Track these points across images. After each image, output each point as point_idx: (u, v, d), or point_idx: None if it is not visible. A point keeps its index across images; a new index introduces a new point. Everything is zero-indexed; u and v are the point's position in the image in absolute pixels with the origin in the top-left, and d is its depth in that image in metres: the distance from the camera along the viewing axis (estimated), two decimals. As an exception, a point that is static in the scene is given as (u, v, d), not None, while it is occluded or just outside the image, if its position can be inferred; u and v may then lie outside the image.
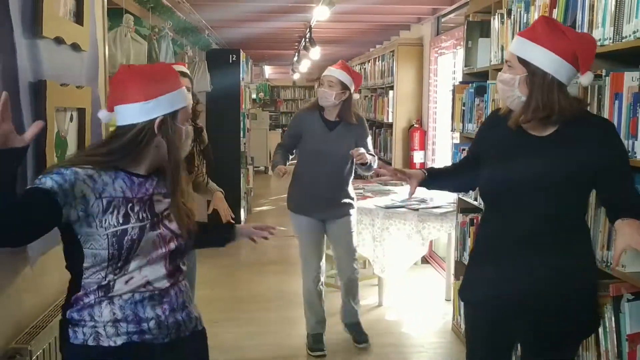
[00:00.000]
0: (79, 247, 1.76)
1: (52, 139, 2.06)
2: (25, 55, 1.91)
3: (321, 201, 3.99)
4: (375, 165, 3.94)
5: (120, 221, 1.78)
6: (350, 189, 4.11)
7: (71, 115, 2.28)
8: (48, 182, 1.67)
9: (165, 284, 1.88)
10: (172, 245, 1.89)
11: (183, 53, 5.88)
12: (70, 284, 1.85)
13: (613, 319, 2.37)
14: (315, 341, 4.11)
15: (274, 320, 4.75)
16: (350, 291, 4.19)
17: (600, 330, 2.40)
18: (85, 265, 1.77)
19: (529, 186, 2.13)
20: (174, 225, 1.91)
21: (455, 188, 3.11)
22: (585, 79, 2.06)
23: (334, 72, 3.90)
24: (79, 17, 2.37)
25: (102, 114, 1.86)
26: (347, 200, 4.07)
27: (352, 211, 4.10)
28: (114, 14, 4.05)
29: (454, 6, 5.77)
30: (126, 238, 1.78)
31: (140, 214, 1.83)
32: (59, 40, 2.14)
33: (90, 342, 1.78)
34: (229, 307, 5.02)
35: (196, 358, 2.09)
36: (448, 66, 6.25)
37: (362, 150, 3.77)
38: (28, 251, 2.00)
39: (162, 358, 1.89)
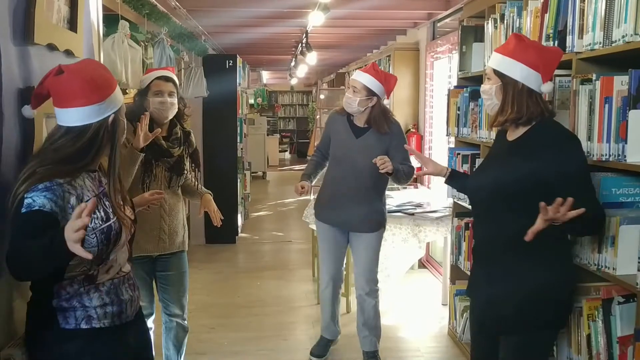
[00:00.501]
0: None
1: (40, 145, 2.07)
2: (14, 62, 1.93)
3: (342, 211, 3.73)
4: (407, 177, 3.63)
5: (104, 218, 1.92)
6: (381, 203, 3.79)
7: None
8: (45, 202, 1.74)
9: (128, 267, 2.10)
10: (132, 229, 2.07)
11: (179, 58, 5.89)
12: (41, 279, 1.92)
13: (604, 321, 2.38)
14: (319, 345, 4.11)
15: (271, 325, 4.75)
16: (363, 313, 3.89)
17: (592, 332, 2.42)
18: (71, 263, 1.84)
19: (490, 190, 2.43)
20: (128, 212, 2.08)
21: None
22: (545, 87, 2.35)
23: (360, 76, 3.60)
24: (72, 24, 2.38)
25: (27, 110, 1.94)
26: (373, 215, 3.74)
27: (379, 228, 3.78)
28: (111, 20, 4.07)
29: (449, 11, 5.79)
30: (112, 233, 1.93)
31: (111, 207, 1.98)
32: (51, 47, 2.16)
33: (83, 325, 1.91)
34: (225, 312, 5.03)
35: (143, 326, 2.29)
36: (444, 70, 6.27)
37: (385, 157, 3.38)
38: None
39: (130, 333, 2.08)
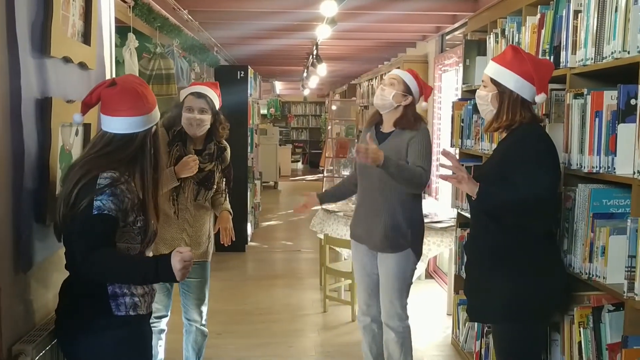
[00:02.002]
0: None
1: (56, 152, 2.19)
2: (33, 73, 2.04)
3: (363, 226, 3.41)
4: (404, 177, 3.09)
5: (146, 219, 2.12)
6: (407, 219, 3.29)
7: (77, 130, 2.41)
8: (112, 207, 1.95)
9: None
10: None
11: (190, 69, 6.02)
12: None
13: (594, 329, 2.44)
14: None
15: (277, 332, 4.83)
16: (387, 345, 3.44)
17: (582, 339, 2.48)
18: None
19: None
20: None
21: None
22: (539, 98, 2.51)
23: (400, 72, 3.34)
24: (86, 37, 2.50)
25: (78, 117, 2.09)
26: (392, 232, 3.27)
27: (402, 249, 3.30)
28: (125, 32, 4.22)
29: (455, 25, 5.88)
30: (151, 231, 2.16)
31: (148, 210, 2.17)
32: (66, 60, 2.27)
33: (131, 312, 2.09)
34: (232, 319, 5.11)
35: None
36: (451, 83, 6.35)
37: (372, 146, 2.97)
38: (32, 255, 2.11)
39: (149, 325, 2.28)
